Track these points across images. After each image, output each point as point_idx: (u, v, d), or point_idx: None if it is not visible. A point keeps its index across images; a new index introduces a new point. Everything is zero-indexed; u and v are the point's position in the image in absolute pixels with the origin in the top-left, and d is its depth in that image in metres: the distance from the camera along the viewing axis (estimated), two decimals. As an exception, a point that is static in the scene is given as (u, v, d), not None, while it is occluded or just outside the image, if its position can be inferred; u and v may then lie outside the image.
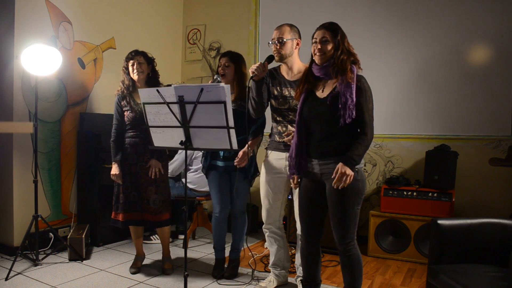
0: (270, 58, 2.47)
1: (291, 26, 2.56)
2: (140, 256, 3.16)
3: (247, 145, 2.68)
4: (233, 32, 4.68)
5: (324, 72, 2.14)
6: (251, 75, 2.41)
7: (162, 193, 2.96)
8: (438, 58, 3.68)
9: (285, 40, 2.49)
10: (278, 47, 2.50)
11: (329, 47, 2.09)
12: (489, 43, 3.51)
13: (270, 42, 2.54)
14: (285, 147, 2.57)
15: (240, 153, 2.69)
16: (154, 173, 2.90)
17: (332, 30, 2.10)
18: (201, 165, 3.09)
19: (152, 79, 2.99)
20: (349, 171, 2.00)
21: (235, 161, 2.71)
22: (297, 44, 2.55)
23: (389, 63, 3.86)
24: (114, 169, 2.90)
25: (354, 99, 2.01)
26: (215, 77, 2.74)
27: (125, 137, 2.97)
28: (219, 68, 2.86)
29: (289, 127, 2.54)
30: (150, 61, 2.98)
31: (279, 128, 2.60)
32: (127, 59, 2.93)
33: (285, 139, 2.49)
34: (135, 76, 2.91)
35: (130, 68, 2.91)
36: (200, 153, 3.47)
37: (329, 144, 2.11)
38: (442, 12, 3.66)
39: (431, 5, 3.70)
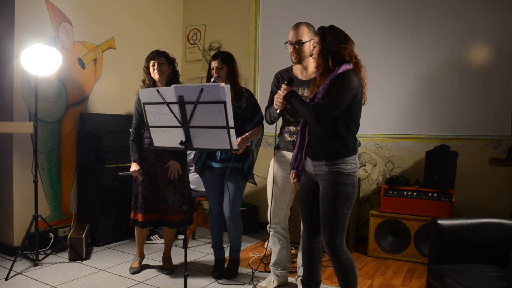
0: (290, 81, 2.29)
1: (309, 26, 2.52)
2: (140, 257, 3.16)
3: (246, 134, 2.70)
4: (233, 32, 4.68)
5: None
6: (276, 109, 2.33)
7: (181, 193, 2.97)
8: (439, 58, 3.68)
9: (303, 41, 2.47)
10: (297, 49, 2.48)
11: (318, 51, 2.11)
12: (489, 43, 3.51)
13: (287, 43, 2.52)
14: (293, 147, 2.57)
15: (239, 139, 2.62)
16: (173, 174, 2.92)
17: (319, 34, 2.13)
18: None
19: (172, 80, 2.99)
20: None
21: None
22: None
23: (389, 63, 3.86)
24: (134, 166, 2.91)
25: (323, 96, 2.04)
26: (212, 80, 2.72)
27: (145, 137, 2.98)
28: (212, 71, 2.82)
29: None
30: (171, 62, 2.99)
31: (291, 128, 2.60)
32: (148, 59, 2.94)
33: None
34: (156, 76, 2.92)
35: (151, 69, 2.92)
36: None
37: (318, 144, 2.13)
38: (442, 12, 3.66)
39: (431, 5, 3.70)
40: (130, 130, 3.02)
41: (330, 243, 2.12)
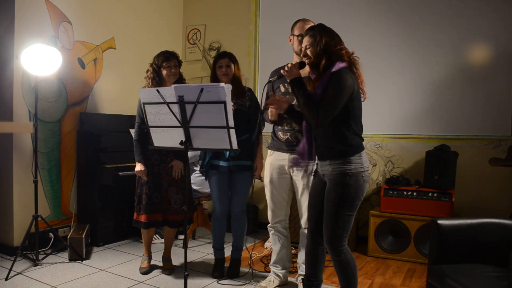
0: (302, 65, 2.19)
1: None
2: (148, 256, 3.16)
3: (259, 155, 2.88)
4: (233, 32, 4.68)
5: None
6: (284, 74, 2.17)
7: (182, 193, 2.97)
8: (439, 58, 3.68)
9: None
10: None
11: (312, 51, 2.10)
12: (489, 43, 3.51)
13: (295, 36, 2.55)
14: (287, 147, 2.58)
15: (258, 165, 2.89)
16: (177, 174, 2.92)
17: (311, 35, 2.10)
18: None
19: (179, 81, 2.97)
20: (295, 72, 2.10)
21: (255, 173, 2.88)
22: None
23: (389, 63, 3.86)
24: (139, 166, 2.89)
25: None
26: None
27: (149, 137, 2.95)
28: (221, 68, 2.83)
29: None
30: (180, 64, 2.96)
31: (285, 125, 2.60)
32: (166, 58, 2.87)
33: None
34: (172, 79, 2.89)
35: (167, 70, 2.86)
36: None
37: (322, 145, 2.14)
38: (442, 12, 3.66)
39: (432, 6, 3.70)
40: (133, 130, 2.97)
41: (330, 242, 2.12)
